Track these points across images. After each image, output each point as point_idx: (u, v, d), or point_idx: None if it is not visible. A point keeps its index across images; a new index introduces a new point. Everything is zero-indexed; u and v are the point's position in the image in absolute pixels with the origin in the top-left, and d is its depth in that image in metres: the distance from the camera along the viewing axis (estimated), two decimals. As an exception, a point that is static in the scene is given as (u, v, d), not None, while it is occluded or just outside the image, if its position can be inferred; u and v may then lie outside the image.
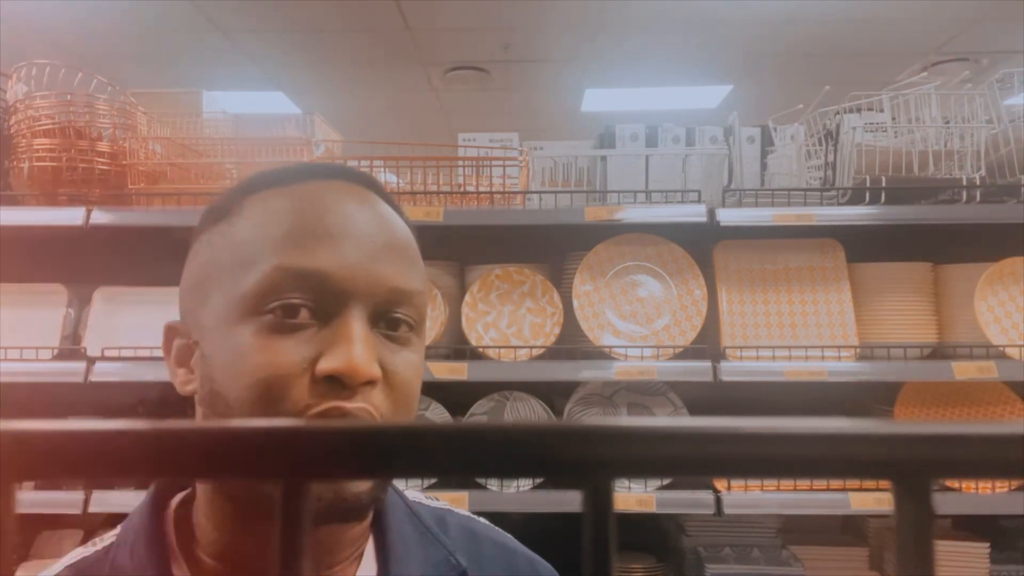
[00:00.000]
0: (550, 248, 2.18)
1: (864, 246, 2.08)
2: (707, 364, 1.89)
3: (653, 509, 1.88)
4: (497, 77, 5.19)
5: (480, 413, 2.03)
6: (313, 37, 4.53)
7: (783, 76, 5.07)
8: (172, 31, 4.41)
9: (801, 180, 2.09)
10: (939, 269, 2.04)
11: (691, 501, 1.90)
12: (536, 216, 2.00)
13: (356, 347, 0.56)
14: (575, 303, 1.97)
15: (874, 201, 1.95)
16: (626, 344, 1.95)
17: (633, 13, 4.19)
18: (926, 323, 1.98)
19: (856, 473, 0.19)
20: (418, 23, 4.30)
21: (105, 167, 2.03)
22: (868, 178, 1.95)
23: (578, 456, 0.18)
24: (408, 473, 0.19)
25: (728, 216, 1.90)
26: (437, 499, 0.79)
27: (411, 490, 0.78)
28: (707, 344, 1.96)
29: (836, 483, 1.90)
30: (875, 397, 2.19)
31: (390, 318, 0.61)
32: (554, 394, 2.16)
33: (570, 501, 1.85)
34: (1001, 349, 1.89)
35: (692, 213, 1.92)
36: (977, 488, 1.90)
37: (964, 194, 1.95)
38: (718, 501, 1.88)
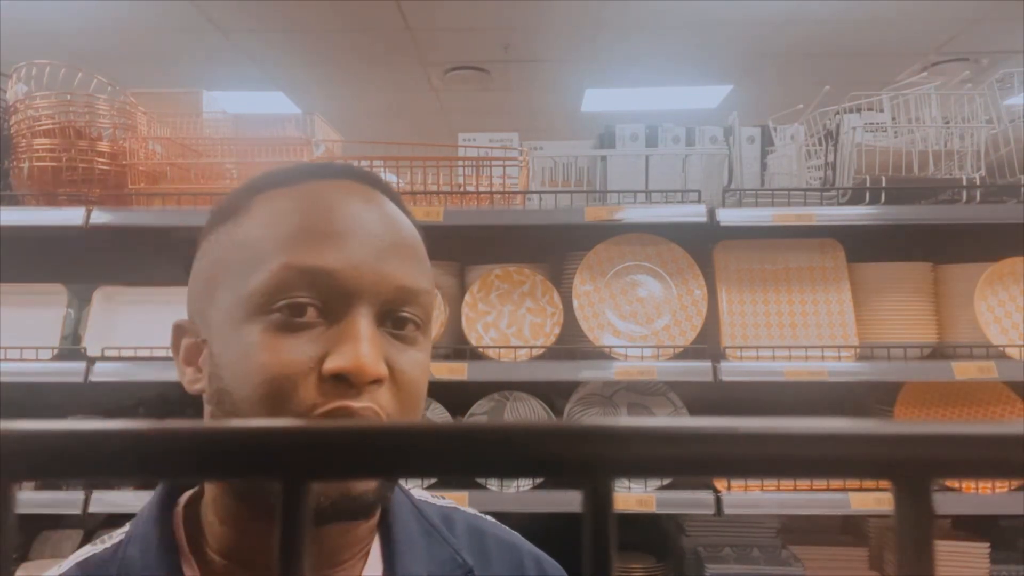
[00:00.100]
0: (550, 248, 2.18)
1: (864, 246, 2.08)
2: (707, 364, 1.89)
3: (653, 509, 1.88)
4: (497, 77, 5.19)
5: (480, 413, 2.03)
6: (313, 37, 4.53)
7: (783, 76, 5.07)
8: (172, 31, 4.41)
9: (801, 180, 2.09)
10: (939, 269, 2.04)
11: (691, 501, 1.90)
12: (536, 216, 1.99)
13: (363, 346, 0.57)
14: (575, 303, 1.97)
15: (874, 201, 1.95)
16: (626, 344, 1.95)
17: (633, 13, 4.19)
18: (926, 323, 1.98)
19: (856, 473, 0.19)
20: (418, 23, 4.30)
21: (105, 167, 2.03)
22: (868, 178, 1.95)
23: (578, 456, 0.18)
24: (408, 473, 0.19)
25: (728, 216, 1.90)
26: (443, 497, 0.79)
27: (417, 489, 0.78)
28: (707, 344, 1.96)
29: (836, 483, 1.89)
30: (875, 397, 2.19)
31: (397, 317, 0.61)
32: (554, 394, 2.16)
33: (570, 501, 1.85)
34: (1001, 349, 1.89)
35: (692, 213, 1.92)
36: (977, 488, 1.90)
37: (964, 194, 1.95)
38: (718, 501, 1.88)
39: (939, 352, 2.00)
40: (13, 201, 2.07)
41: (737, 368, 1.90)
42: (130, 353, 1.95)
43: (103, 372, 1.91)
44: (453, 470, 0.19)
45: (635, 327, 1.99)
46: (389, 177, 2.11)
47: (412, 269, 0.62)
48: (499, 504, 1.87)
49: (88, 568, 0.65)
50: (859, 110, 2.12)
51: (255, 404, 0.57)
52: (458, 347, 2.02)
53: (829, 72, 4.75)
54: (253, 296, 0.58)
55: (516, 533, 0.79)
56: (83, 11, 4.13)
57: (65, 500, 1.90)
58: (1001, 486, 1.90)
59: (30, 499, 1.90)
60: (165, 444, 0.18)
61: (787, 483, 1.90)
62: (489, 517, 0.80)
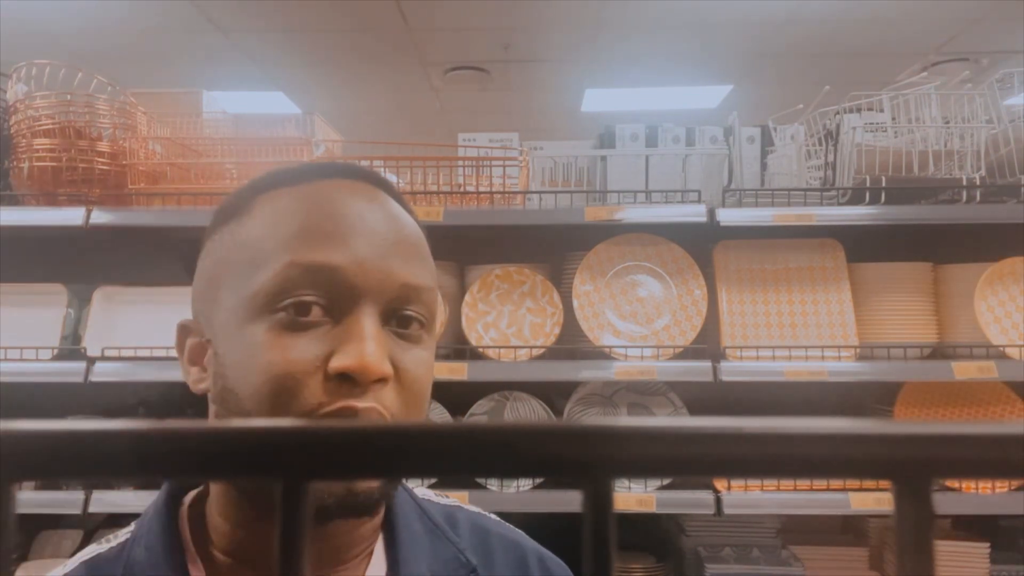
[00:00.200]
0: (550, 248, 2.18)
1: (864, 246, 2.08)
2: (707, 364, 1.89)
3: (653, 509, 1.88)
4: (497, 77, 5.19)
5: (480, 413, 2.03)
6: (313, 37, 4.53)
7: (783, 76, 5.07)
8: (172, 31, 4.41)
9: (801, 180, 2.09)
10: (939, 269, 2.04)
11: (691, 501, 1.90)
12: (536, 216, 2.00)
13: (368, 345, 0.57)
14: (575, 303, 1.97)
15: (874, 201, 1.95)
16: (626, 344, 1.95)
17: (633, 13, 4.19)
18: (926, 323, 1.98)
19: (856, 473, 0.19)
20: (418, 23, 4.30)
21: (105, 167, 2.03)
22: (868, 178, 1.95)
23: (578, 456, 0.18)
24: (408, 473, 0.19)
25: (728, 216, 1.90)
26: (447, 496, 0.79)
27: (420, 488, 0.78)
28: (707, 344, 1.96)
29: (836, 483, 1.89)
30: (875, 397, 2.19)
31: (401, 316, 0.61)
32: (554, 394, 2.16)
33: (570, 501, 1.85)
34: (1001, 349, 1.89)
35: (692, 213, 1.92)
36: (977, 488, 1.90)
37: (964, 194, 1.95)
38: (718, 501, 1.88)
39: (939, 352, 2.00)
40: (13, 201, 2.07)
41: (737, 368, 1.90)
42: (130, 353, 1.95)
43: (103, 372, 1.91)
44: (453, 470, 0.19)
45: (635, 327, 1.99)
46: (389, 177, 2.11)
47: (416, 266, 0.62)
48: (499, 504, 1.86)
49: (94, 567, 0.65)
50: (859, 110, 2.12)
51: (261, 403, 0.57)
52: (458, 347, 2.02)
53: (829, 72, 4.75)
54: (258, 295, 0.58)
55: (520, 531, 0.79)
56: (83, 11, 4.13)
57: (65, 500, 1.90)
58: (1001, 486, 1.90)
59: (30, 499, 1.90)
60: (165, 444, 0.18)
61: (787, 483, 1.90)
62: (493, 516, 0.79)
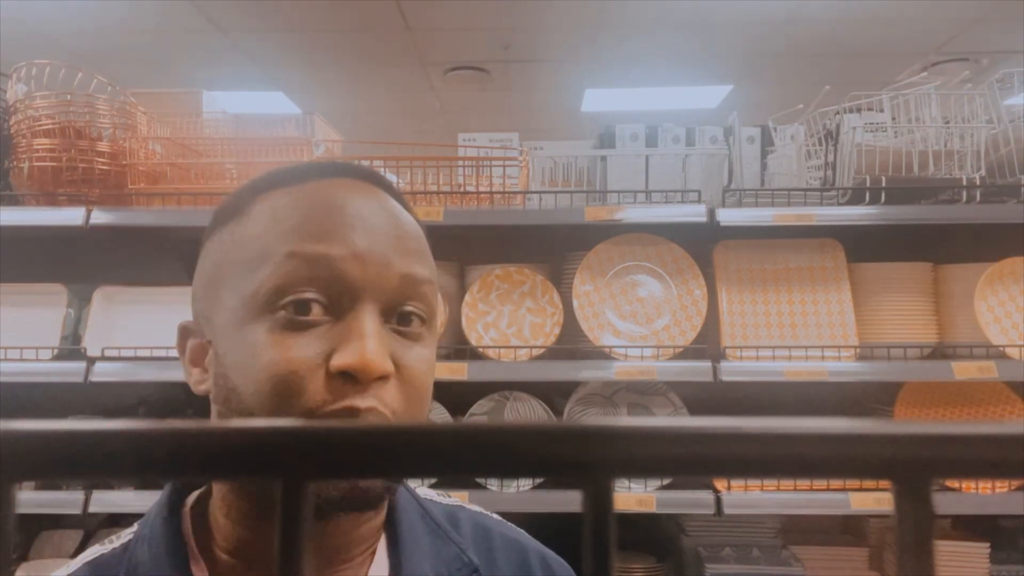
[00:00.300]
0: (550, 248, 2.18)
1: (864, 246, 2.08)
2: (707, 364, 1.89)
3: (653, 509, 1.88)
4: (497, 77, 5.19)
5: (480, 413, 2.03)
6: (313, 37, 4.53)
7: (783, 76, 5.07)
8: (172, 31, 4.41)
9: (801, 180, 2.09)
10: (939, 269, 2.04)
11: (691, 501, 1.90)
12: (536, 216, 2.00)
13: (369, 343, 0.57)
14: (575, 303, 1.97)
15: (874, 201, 1.95)
16: (626, 344, 1.95)
17: (633, 13, 4.19)
18: (926, 323, 1.98)
19: (856, 473, 0.19)
20: (418, 23, 4.30)
21: (105, 167, 2.03)
22: (868, 178, 1.95)
23: (578, 456, 0.18)
24: (408, 473, 0.19)
25: (728, 216, 1.90)
26: (449, 496, 0.79)
27: (422, 487, 0.78)
28: (707, 344, 1.96)
29: (836, 483, 1.89)
30: (875, 397, 2.19)
31: (402, 313, 0.61)
32: (554, 394, 2.16)
33: (570, 501, 1.85)
34: (1001, 349, 1.89)
35: (692, 213, 1.92)
36: (977, 488, 1.90)
37: (964, 194, 1.95)
38: (718, 501, 1.88)
39: (939, 352, 2.00)
40: (13, 201, 2.07)
41: (737, 368, 1.90)
42: (130, 353, 1.95)
43: (103, 372, 1.91)
44: (453, 470, 0.19)
45: (635, 327, 1.99)
46: (389, 177, 2.11)
47: (415, 260, 0.62)
48: (499, 504, 1.86)
49: (97, 568, 0.66)
50: (859, 110, 2.12)
51: (263, 403, 0.57)
52: (458, 347, 2.02)
53: (829, 72, 4.75)
54: (258, 293, 0.58)
55: (522, 531, 0.79)
56: (83, 11, 4.13)
57: (65, 500, 1.90)
58: (1001, 486, 1.90)
59: (30, 499, 1.90)
60: (165, 444, 0.18)
61: (787, 483, 1.90)
62: (495, 515, 0.80)
